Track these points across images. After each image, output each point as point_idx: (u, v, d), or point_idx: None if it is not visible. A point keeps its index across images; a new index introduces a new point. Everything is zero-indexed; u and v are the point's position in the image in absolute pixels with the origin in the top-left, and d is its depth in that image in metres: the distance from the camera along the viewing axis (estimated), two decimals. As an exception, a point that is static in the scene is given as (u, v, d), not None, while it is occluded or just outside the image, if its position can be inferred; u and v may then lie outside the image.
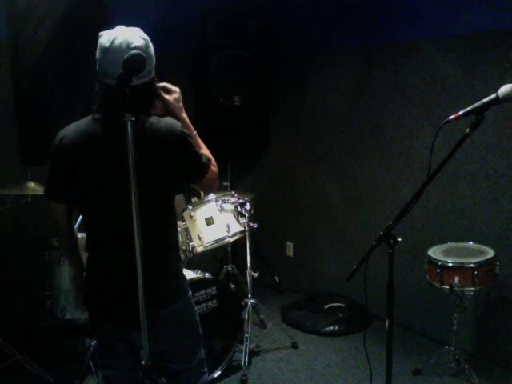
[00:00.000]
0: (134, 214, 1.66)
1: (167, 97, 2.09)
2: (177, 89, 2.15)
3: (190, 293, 2.12)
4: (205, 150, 2.14)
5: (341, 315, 4.04)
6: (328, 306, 4.17)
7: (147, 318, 1.71)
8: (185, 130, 1.97)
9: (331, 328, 3.93)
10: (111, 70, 1.78)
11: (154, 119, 1.92)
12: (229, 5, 4.38)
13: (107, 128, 1.90)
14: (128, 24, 1.98)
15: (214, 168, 2.09)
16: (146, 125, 1.88)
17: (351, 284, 2.18)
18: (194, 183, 2.08)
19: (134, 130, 1.70)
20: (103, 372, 2.11)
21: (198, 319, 2.16)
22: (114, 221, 1.93)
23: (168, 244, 2.02)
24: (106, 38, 1.83)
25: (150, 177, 1.87)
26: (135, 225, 1.66)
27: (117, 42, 1.81)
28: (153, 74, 1.95)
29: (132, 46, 1.80)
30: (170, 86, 2.18)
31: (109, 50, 1.81)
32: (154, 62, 1.95)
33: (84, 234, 3.42)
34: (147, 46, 1.88)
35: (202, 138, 2.21)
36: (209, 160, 2.07)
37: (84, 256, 2.18)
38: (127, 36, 1.83)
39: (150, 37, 1.96)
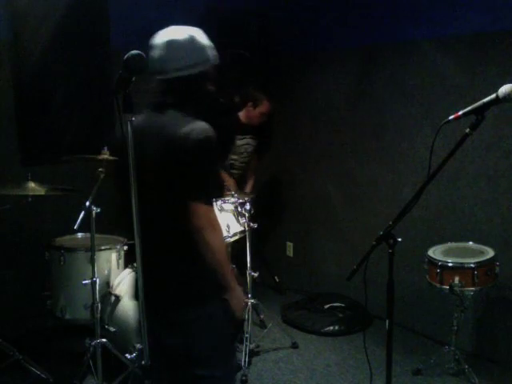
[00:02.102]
0: (134, 214, 1.66)
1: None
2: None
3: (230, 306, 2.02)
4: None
5: (341, 315, 4.04)
6: (328, 306, 4.18)
7: (168, 318, 1.80)
8: (207, 142, 1.85)
9: (331, 328, 3.93)
10: (151, 65, 1.87)
11: (182, 118, 1.87)
12: (229, 5, 4.38)
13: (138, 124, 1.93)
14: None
15: (208, 212, 1.88)
16: (171, 122, 1.86)
17: (351, 284, 2.18)
18: (186, 201, 1.88)
19: (155, 126, 1.77)
20: None
21: (230, 331, 2.09)
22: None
23: (186, 248, 1.94)
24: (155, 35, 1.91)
25: (162, 177, 1.86)
26: (135, 225, 1.66)
27: (157, 38, 1.90)
28: (195, 69, 1.91)
29: (168, 40, 1.87)
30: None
31: (151, 47, 1.91)
32: (202, 58, 1.94)
33: (84, 234, 3.47)
34: (190, 41, 1.90)
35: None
36: (209, 195, 1.89)
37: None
38: (169, 32, 1.90)
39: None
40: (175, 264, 1.95)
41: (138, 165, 1.84)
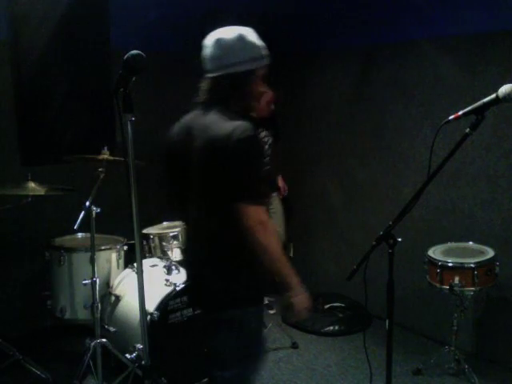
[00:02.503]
0: (134, 215, 1.66)
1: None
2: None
3: (266, 312, 2.08)
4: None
5: (341, 315, 4.05)
6: (328, 306, 4.18)
7: (205, 317, 1.93)
8: (249, 140, 1.80)
9: (331, 328, 3.93)
10: (203, 65, 1.91)
11: (225, 117, 1.85)
12: (229, 5, 4.37)
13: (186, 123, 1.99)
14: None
15: (258, 212, 1.81)
16: (214, 121, 1.85)
17: (351, 284, 2.18)
18: (233, 202, 1.83)
19: (200, 125, 1.81)
20: None
21: (259, 339, 2.06)
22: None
23: (231, 249, 1.92)
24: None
25: (208, 177, 1.86)
26: (135, 226, 1.66)
27: (208, 38, 1.93)
28: (241, 67, 1.90)
29: (217, 38, 1.90)
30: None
31: (203, 46, 1.94)
32: (250, 56, 1.92)
33: (84, 234, 3.47)
34: (239, 39, 1.90)
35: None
36: (257, 195, 1.82)
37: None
38: (220, 31, 1.92)
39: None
40: (219, 264, 1.94)
41: (184, 165, 1.91)
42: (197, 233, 2.00)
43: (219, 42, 1.89)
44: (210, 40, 1.93)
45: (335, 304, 4.18)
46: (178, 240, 3.60)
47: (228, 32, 1.91)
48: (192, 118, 1.97)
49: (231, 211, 1.80)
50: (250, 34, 1.94)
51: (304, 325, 3.99)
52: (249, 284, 1.94)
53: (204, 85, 1.95)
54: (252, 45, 1.93)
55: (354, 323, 3.98)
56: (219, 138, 1.79)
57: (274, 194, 3.96)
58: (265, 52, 1.98)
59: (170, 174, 2.08)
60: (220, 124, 1.83)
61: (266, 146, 4.06)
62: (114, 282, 3.30)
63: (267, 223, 1.82)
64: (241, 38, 1.90)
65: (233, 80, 1.88)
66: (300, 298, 1.90)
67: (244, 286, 1.93)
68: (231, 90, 1.90)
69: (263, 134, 4.04)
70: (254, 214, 1.79)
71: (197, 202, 1.94)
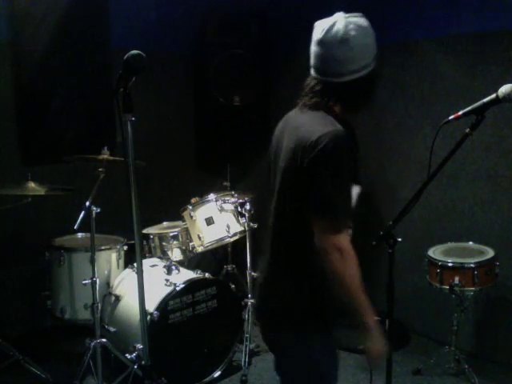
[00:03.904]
0: (134, 215, 1.66)
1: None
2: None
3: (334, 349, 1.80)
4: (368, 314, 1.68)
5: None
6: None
7: (269, 336, 1.78)
8: (335, 149, 1.57)
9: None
10: (313, 62, 1.74)
11: (320, 121, 1.67)
12: (229, 5, 4.38)
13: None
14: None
15: (333, 234, 1.58)
16: (306, 124, 1.69)
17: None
18: (306, 216, 1.63)
19: (292, 127, 1.69)
20: None
21: (323, 377, 1.78)
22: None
23: (299, 266, 1.72)
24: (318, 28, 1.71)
25: (287, 183, 1.69)
26: (135, 226, 1.66)
27: (325, 33, 1.69)
28: (368, 69, 1.70)
29: (342, 37, 1.66)
30: None
31: (316, 42, 1.72)
32: (373, 55, 1.73)
33: (84, 234, 3.47)
34: (364, 35, 1.70)
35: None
36: (336, 214, 1.58)
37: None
38: (339, 26, 1.67)
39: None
40: (285, 278, 1.75)
41: (273, 165, 1.78)
42: (269, 239, 1.80)
43: (346, 42, 1.64)
44: (328, 37, 1.66)
45: None
46: (177, 240, 3.61)
47: (350, 26, 1.65)
48: (291, 114, 1.85)
49: (306, 225, 1.61)
50: (368, 25, 1.71)
51: (340, 342, 3.78)
52: (312, 307, 1.71)
53: (312, 85, 1.76)
54: (373, 39, 1.72)
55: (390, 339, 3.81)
56: (303, 143, 1.61)
57: None
58: (375, 53, 1.75)
59: (269, 173, 1.88)
60: (310, 126, 1.65)
61: None
62: (114, 282, 3.30)
63: (346, 250, 1.58)
64: (365, 34, 1.69)
65: (357, 85, 1.70)
66: (374, 344, 1.69)
67: (305, 309, 1.71)
68: (351, 95, 1.73)
69: None
70: (330, 236, 1.57)
71: (274, 207, 1.77)
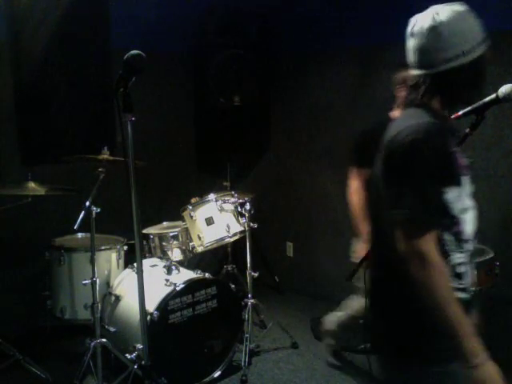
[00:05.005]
0: (134, 215, 1.66)
1: None
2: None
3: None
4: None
5: None
6: (362, 320, 3.77)
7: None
8: (414, 146, 1.44)
9: (368, 345, 3.37)
10: (409, 58, 1.62)
11: (412, 117, 1.54)
12: (229, 4, 4.38)
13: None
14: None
15: (414, 239, 1.42)
16: (398, 121, 1.58)
17: (351, 284, 2.18)
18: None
19: (388, 127, 1.55)
20: None
21: None
22: None
23: (396, 280, 1.52)
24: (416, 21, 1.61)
25: (376, 186, 1.58)
26: (135, 226, 1.66)
27: (416, 24, 1.61)
28: (468, 57, 1.50)
29: (430, 25, 1.55)
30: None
31: (409, 35, 1.63)
32: (475, 41, 1.52)
33: (84, 234, 3.47)
34: (458, 20, 1.52)
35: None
36: (414, 217, 1.43)
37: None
38: (430, 14, 1.57)
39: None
40: (385, 295, 1.60)
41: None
42: (372, 252, 1.68)
43: (435, 29, 1.52)
44: (418, 27, 1.58)
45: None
46: (177, 240, 3.61)
47: (442, 14, 1.52)
48: (396, 114, 1.75)
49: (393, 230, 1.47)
50: (467, 11, 1.54)
51: (338, 342, 3.60)
52: (410, 330, 1.50)
53: (417, 82, 1.62)
54: (474, 24, 1.54)
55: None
56: (386, 141, 1.53)
57: None
58: (478, 39, 1.54)
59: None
60: (398, 122, 1.55)
61: None
62: (114, 282, 3.30)
63: (428, 256, 1.40)
64: (461, 18, 1.52)
65: (456, 76, 1.52)
66: (482, 372, 1.39)
67: (402, 333, 1.51)
68: (451, 87, 1.56)
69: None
70: (409, 240, 1.42)
71: (371, 212, 1.68)
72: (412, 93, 1.61)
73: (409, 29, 1.62)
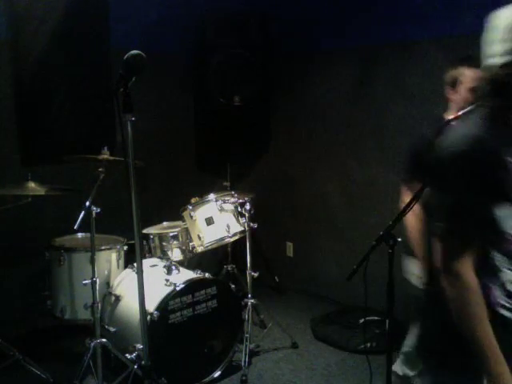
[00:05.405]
0: (134, 215, 1.66)
1: None
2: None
3: None
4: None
5: (377, 331, 3.61)
6: (362, 320, 3.81)
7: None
8: (452, 158, 1.37)
9: (368, 345, 3.54)
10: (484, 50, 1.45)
11: (463, 122, 1.47)
12: (229, 5, 4.38)
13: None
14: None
15: (447, 252, 1.40)
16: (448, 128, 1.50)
17: (351, 284, 2.18)
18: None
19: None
20: None
21: None
22: None
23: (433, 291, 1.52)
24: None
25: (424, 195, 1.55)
26: (135, 226, 1.66)
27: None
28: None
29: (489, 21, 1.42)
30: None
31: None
32: None
33: (84, 234, 3.47)
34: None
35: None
36: (451, 231, 1.39)
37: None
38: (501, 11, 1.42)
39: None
40: (425, 305, 1.63)
41: None
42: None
43: (489, 24, 1.41)
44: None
45: (370, 318, 3.76)
46: (177, 240, 3.61)
47: (502, 10, 1.40)
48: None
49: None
50: None
51: (338, 342, 3.70)
52: (441, 336, 1.51)
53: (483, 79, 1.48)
54: None
55: (393, 339, 3.71)
56: (429, 150, 1.48)
57: None
58: None
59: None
60: (449, 129, 1.46)
61: None
62: (114, 282, 3.30)
63: (462, 277, 1.37)
64: (502, 18, 1.40)
65: (503, 74, 1.39)
66: None
67: (434, 337, 1.54)
68: (489, 89, 1.45)
69: None
70: (444, 255, 1.40)
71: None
72: (473, 94, 1.55)
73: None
